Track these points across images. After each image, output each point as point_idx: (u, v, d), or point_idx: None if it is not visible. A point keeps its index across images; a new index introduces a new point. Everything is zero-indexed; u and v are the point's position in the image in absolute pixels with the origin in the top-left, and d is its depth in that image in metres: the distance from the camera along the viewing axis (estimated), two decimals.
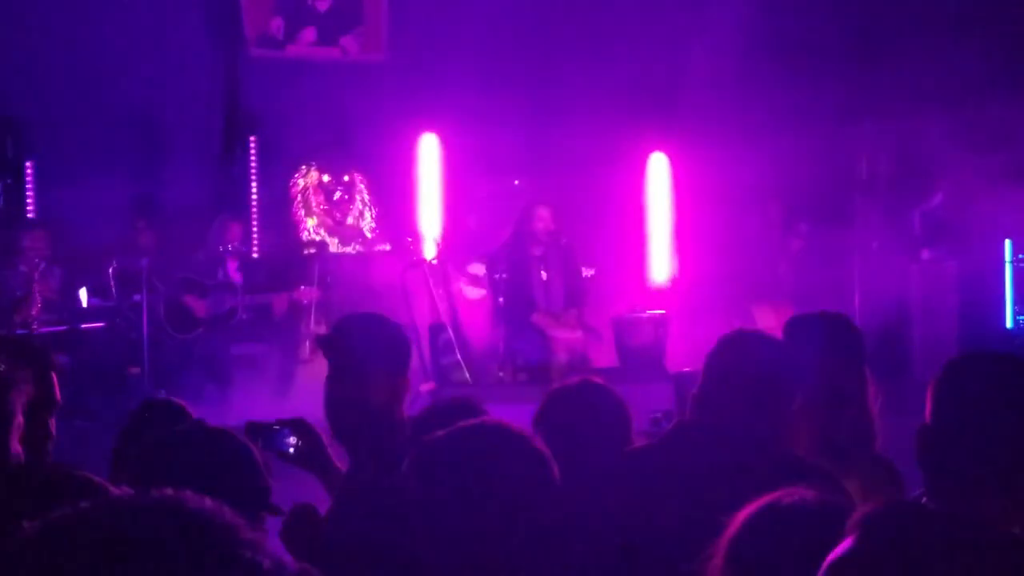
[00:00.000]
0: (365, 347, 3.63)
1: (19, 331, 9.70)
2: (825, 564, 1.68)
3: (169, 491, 1.36)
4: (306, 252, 12.35)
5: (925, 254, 11.61)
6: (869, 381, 3.84)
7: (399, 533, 2.75)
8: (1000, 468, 2.45)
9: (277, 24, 12.78)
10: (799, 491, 2.09)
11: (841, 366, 3.79)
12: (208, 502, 1.36)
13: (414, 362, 9.63)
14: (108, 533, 1.30)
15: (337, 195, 12.94)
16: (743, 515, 2.08)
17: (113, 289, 10.80)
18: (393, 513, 2.87)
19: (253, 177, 12.60)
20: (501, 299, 9.69)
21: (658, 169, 11.90)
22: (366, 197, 13.03)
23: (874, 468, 3.70)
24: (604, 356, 10.14)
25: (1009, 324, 11.36)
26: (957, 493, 2.47)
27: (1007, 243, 11.35)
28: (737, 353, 3.43)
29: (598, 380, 3.93)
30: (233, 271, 11.11)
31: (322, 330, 10.46)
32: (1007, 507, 2.45)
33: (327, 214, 12.91)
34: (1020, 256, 11.35)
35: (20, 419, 3.13)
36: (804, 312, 4.22)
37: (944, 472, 2.53)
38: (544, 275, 9.93)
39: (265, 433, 3.68)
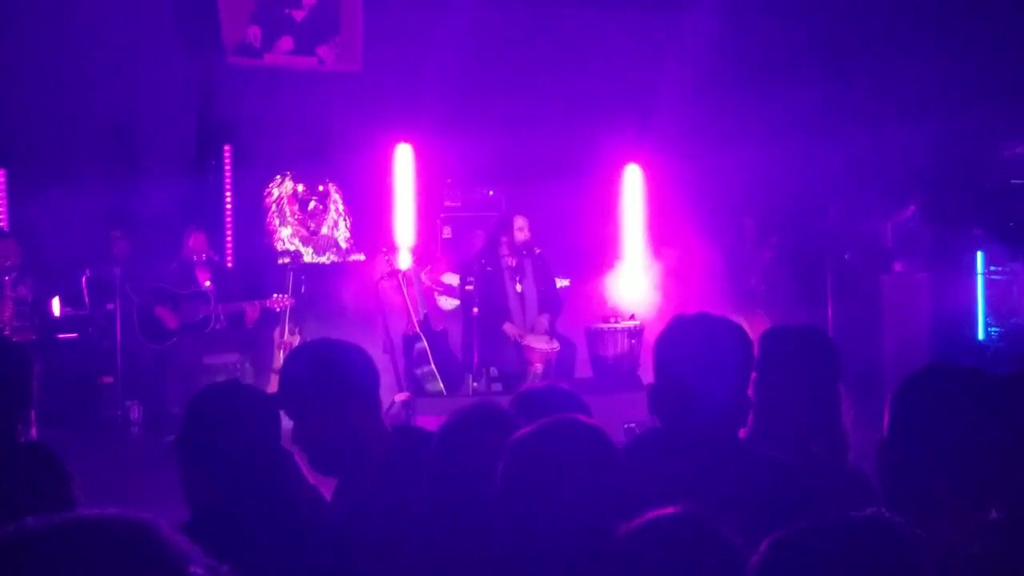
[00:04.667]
0: (317, 386, 3.45)
1: None
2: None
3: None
4: (280, 262, 12.33)
5: (897, 266, 11.65)
6: (843, 396, 3.86)
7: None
8: (954, 482, 2.47)
9: (254, 32, 12.77)
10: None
11: (816, 380, 3.80)
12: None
13: (388, 371, 9.68)
14: (52, 554, 1.31)
15: (312, 205, 12.93)
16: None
17: (86, 298, 10.76)
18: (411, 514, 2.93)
19: (227, 186, 12.56)
20: (475, 309, 9.65)
21: (632, 180, 11.93)
22: (340, 207, 13.02)
23: (847, 481, 3.71)
24: (578, 366, 10.14)
25: (981, 336, 11.41)
26: (913, 507, 2.49)
27: (979, 255, 11.40)
28: (688, 342, 3.37)
29: (564, 385, 3.94)
30: (205, 281, 11.07)
31: (295, 339, 10.45)
32: (962, 521, 2.46)
33: (301, 224, 12.89)
34: (992, 268, 11.41)
35: None
36: (780, 325, 4.23)
37: (901, 486, 2.55)
38: (518, 286, 9.91)
39: None
